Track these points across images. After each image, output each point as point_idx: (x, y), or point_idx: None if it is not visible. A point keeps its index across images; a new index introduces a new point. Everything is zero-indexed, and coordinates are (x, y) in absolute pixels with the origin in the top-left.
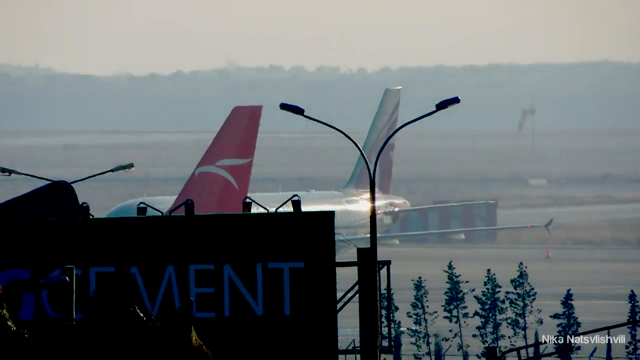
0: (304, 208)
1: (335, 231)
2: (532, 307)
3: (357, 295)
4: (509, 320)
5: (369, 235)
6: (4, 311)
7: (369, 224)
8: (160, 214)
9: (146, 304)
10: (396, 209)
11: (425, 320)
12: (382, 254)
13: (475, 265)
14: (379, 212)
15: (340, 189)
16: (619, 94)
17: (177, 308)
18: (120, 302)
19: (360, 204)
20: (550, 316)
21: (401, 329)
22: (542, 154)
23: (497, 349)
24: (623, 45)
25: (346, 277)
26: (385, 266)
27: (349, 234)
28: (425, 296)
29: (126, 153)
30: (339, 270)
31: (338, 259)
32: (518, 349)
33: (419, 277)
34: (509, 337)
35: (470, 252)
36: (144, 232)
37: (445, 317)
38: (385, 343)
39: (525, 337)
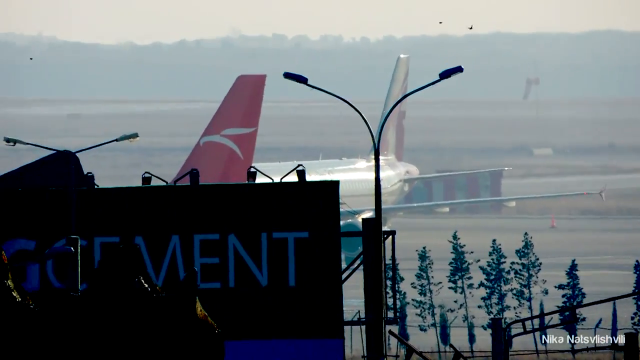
0: (334, 176)
1: (341, 201)
2: (537, 277)
3: (362, 265)
4: (514, 291)
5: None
6: (9, 282)
7: (394, 191)
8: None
9: (151, 275)
10: (412, 177)
11: (430, 291)
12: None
13: (480, 235)
14: (399, 180)
15: (365, 156)
16: (623, 63)
17: (182, 279)
18: (125, 272)
19: (386, 172)
20: (555, 287)
21: (406, 300)
22: (546, 124)
23: (503, 320)
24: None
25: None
26: (390, 236)
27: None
28: (430, 267)
29: (130, 122)
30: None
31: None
32: (523, 320)
33: (424, 248)
34: (514, 307)
35: (475, 222)
36: (148, 201)
37: (450, 288)
38: (390, 314)
39: (530, 308)
